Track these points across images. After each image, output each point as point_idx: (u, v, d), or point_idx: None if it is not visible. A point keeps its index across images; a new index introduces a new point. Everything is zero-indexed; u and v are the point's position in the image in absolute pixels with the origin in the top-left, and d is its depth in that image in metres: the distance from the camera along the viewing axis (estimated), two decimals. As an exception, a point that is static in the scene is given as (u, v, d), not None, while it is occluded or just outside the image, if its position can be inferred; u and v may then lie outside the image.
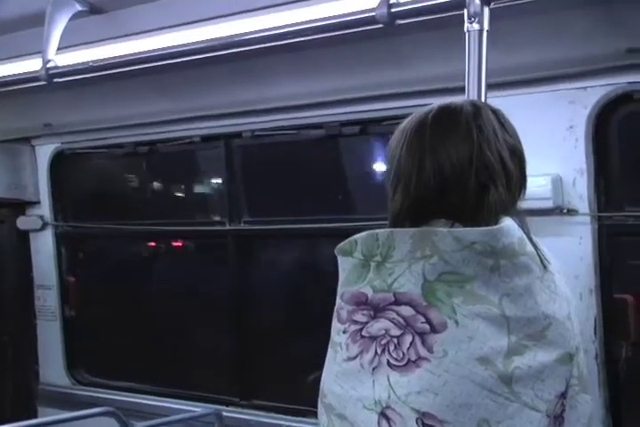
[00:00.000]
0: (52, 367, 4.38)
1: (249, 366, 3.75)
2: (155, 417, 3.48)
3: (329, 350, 1.53)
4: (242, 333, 3.77)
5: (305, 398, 3.35)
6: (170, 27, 3.02)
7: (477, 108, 1.54)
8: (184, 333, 4.01)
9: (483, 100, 1.95)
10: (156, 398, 3.96)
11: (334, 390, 1.49)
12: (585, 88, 2.55)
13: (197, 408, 3.64)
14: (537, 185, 2.51)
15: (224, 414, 3.46)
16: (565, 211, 2.64)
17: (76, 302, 4.38)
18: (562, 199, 2.63)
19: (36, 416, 4.22)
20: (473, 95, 1.96)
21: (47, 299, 4.37)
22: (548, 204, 2.61)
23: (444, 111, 1.55)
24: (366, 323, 1.46)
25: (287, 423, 3.42)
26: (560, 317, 1.46)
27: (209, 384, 3.86)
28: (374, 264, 1.47)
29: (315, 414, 3.31)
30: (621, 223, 2.62)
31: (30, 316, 4.41)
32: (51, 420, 3.20)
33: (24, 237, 4.44)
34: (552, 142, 2.61)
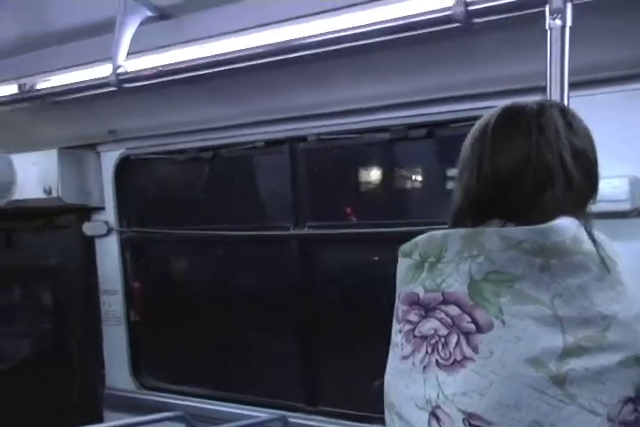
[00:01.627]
0: (118, 372, 4.42)
1: (315, 371, 3.74)
2: (219, 422, 3.48)
3: (390, 350, 1.55)
4: (307, 338, 3.76)
5: (371, 403, 3.35)
6: (236, 31, 3.04)
7: (542, 107, 1.52)
8: (249, 338, 4.01)
9: (565, 99, 1.92)
10: (221, 403, 3.96)
11: (393, 389, 1.51)
12: (663, 86, 2.48)
13: (263, 414, 3.63)
14: (613, 186, 2.46)
15: (290, 419, 3.44)
16: (644, 213, 2.57)
17: (140, 307, 4.42)
18: (640, 201, 2.57)
19: (102, 421, 4.25)
20: (555, 94, 1.92)
21: (112, 304, 4.41)
22: (626, 206, 2.54)
23: (507, 111, 1.54)
24: (418, 322, 1.48)
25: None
26: (624, 317, 1.40)
27: (275, 390, 3.85)
28: (428, 265, 1.49)
29: (380, 421, 3.28)
30: (701, 224, 2.55)
31: (96, 321, 4.46)
32: (118, 424, 3.22)
33: (89, 242, 4.48)
34: (630, 142, 2.54)
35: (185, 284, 4.39)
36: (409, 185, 3.58)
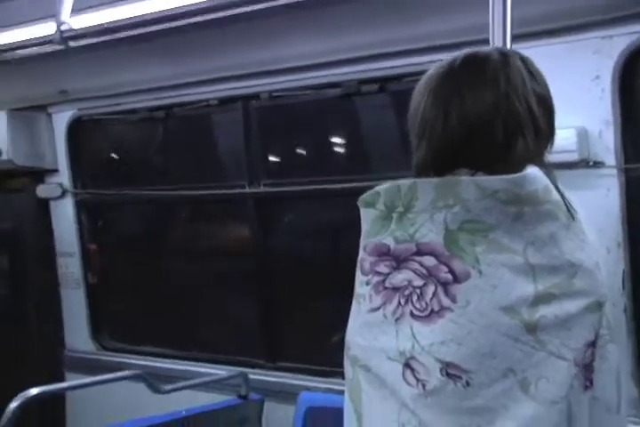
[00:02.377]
0: (77, 334, 4.41)
1: (274, 327, 3.76)
2: (181, 381, 3.49)
3: (353, 302, 1.52)
4: (266, 295, 3.78)
5: (330, 358, 3.38)
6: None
7: (505, 56, 1.51)
8: (208, 297, 4.01)
9: (507, 50, 1.91)
10: (182, 362, 3.98)
11: (358, 341, 1.48)
12: (610, 37, 2.49)
13: (223, 371, 3.65)
14: (562, 137, 2.38)
15: (250, 376, 3.46)
16: (591, 163, 2.59)
17: (98, 269, 4.40)
18: (587, 152, 2.59)
19: (63, 382, 4.25)
20: (489, 46, 1.91)
21: (69, 266, 4.38)
22: (574, 156, 2.57)
23: (471, 59, 1.51)
24: (389, 274, 1.45)
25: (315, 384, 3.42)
26: (588, 265, 1.43)
27: (234, 347, 3.87)
28: (396, 215, 1.45)
29: (341, 375, 3.33)
30: (649, 175, 2.58)
31: (54, 284, 4.43)
32: (79, 383, 3.23)
33: (44, 205, 4.44)
34: (577, 94, 2.56)
35: (141, 245, 4.38)
36: (363, 140, 3.58)
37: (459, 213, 1.39)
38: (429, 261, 1.40)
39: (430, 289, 1.39)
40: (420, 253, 1.42)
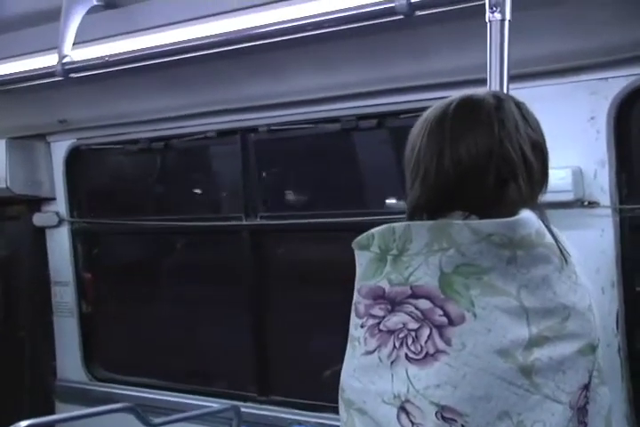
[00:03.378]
0: (70, 363, 4.38)
1: (267, 362, 3.74)
2: (172, 413, 3.47)
3: (348, 345, 1.53)
4: (259, 329, 3.76)
5: (323, 393, 3.37)
6: (185, 21, 3.02)
7: (500, 101, 1.53)
8: (201, 329, 4.00)
9: (505, 91, 1.93)
10: (174, 393, 3.95)
11: (353, 384, 1.48)
12: (606, 79, 2.51)
13: (215, 404, 3.63)
14: (557, 177, 2.46)
15: (242, 409, 3.44)
16: (586, 203, 2.60)
17: (92, 299, 4.38)
18: (583, 192, 2.60)
19: (53, 412, 4.22)
20: (495, 87, 1.93)
21: (64, 295, 4.37)
22: (569, 196, 2.58)
23: (466, 103, 1.54)
24: (384, 317, 1.45)
25: (307, 419, 3.41)
26: (580, 308, 1.44)
27: (227, 380, 3.85)
28: (391, 258, 1.46)
29: (333, 410, 3.30)
30: (644, 216, 2.59)
31: (47, 312, 4.41)
32: (69, 416, 3.20)
33: (40, 233, 4.43)
34: (573, 134, 2.58)
35: (136, 275, 4.37)
36: (361, 175, 3.59)
37: (453, 256, 1.40)
38: (424, 304, 1.41)
39: (425, 332, 1.40)
40: (414, 295, 1.42)
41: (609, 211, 2.59)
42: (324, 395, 3.33)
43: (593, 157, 2.58)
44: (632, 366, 2.59)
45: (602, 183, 2.58)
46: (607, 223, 2.59)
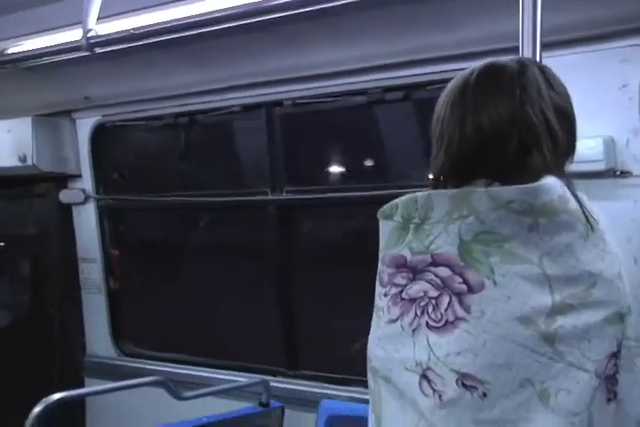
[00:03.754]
0: (98, 339, 4.42)
1: (295, 336, 3.75)
2: (201, 388, 3.48)
3: (373, 314, 1.53)
4: (287, 304, 3.77)
5: (352, 367, 3.37)
6: (209, -7, 2.99)
7: (523, 66, 1.51)
8: (229, 303, 4.01)
9: (537, 59, 1.90)
10: (203, 368, 3.98)
11: (378, 353, 1.49)
12: (638, 45, 2.47)
13: (244, 378, 3.65)
14: (588, 147, 2.46)
15: (271, 384, 3.45)
16: (618, 173, 2.57)
17: (120, 275, 4.41)
18: (614, 161, 2.56)
19: (83, 387, 4.26)
20: (527, 55, 1.89)
21: (91, 272, 4.40)
22: (601, 166, 2.55)
23: (488, 69, 1.52)
24: (405, 285, 1.46)
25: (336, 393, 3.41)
26: (608, 275, 1.42)
27: (256, 354, 3.86)
28: (413, 226, 1.46)
29: (362, 384, 3.30)
30: (678, 184, 2.55)
31: (75, 289, 4.44)
32: (101, 389, 3.24)
33: (67, 210, 4.45)
34: (604, 102, 2.54)
35: (163, 251, 4.38)
36: (387, 148, 3.57)
37: (472, 223, 1.40)
38: (444, 271, 1.41)
39: (445, 300, 1.40)
40: (434, 263, 1.43)
41: (642, 180, 2.55)
42: (353, 369, 3.34)
43: (625, 125, 2.54)
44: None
45: (635, 152, 2.54)
46: (640, 193, 2.56)
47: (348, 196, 3.50)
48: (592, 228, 1.43)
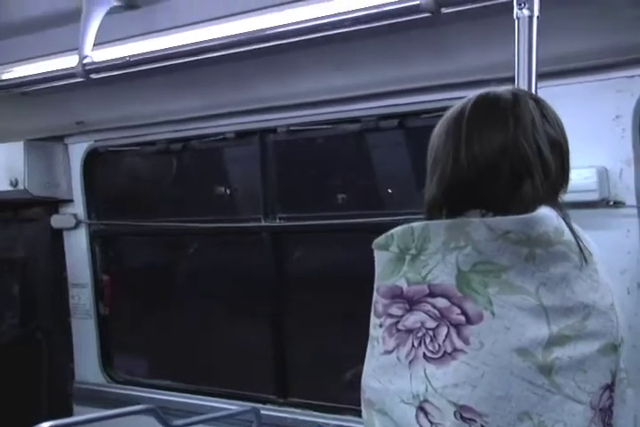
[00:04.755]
0: (88, 366, 4.38)
1: (286, 364, 3.73)
2: (191, 416, 3.45)
3: (368, 345, 1.53)
4: (279, 331, 3.75)
5: (343, 395, 3.35)
6: (204, 21, 3.02)
7: (517, 97, 1.53)
8: (220, 331, 3.99)
9: (533, 89, 1.91)
10: (193, 396, 3.94)
11: (373, 384, 1.48)
12: (632, 77, 2.49)
13: (234, 406, 3.62)
14: (582, 177, 2.47)
15: (262, 412, 3.43)
16: (612, 203, 2.58)
17: (110, 301, 4.38)
18: (608, 191, 2.58)
19: (71, 415, 4.21)
20: (523, 85, 1.92)
21: (82, 297, 4.36)
22: (594, 196, 2.56)
23: (483, 100, 1.54)
24: (402, 316, 1.45)
25: (327, 421, 3.39)
26: (601, 306, 1.43)
27: (246, 382, 3.84)
28: (409, 257, 1.46)
29: (353, 412, 3.29)
30: (670, 215, 2.56)
31: (65, 314, 4.41)
32: (91, 417, 3.19)
33: (58, 235, 4.43)
34: (598, 133, 2.56)
35: (154, 277, 4.36)
36: (380, 176, 3.57)
37: (470, 254, 1.40)
38: (442, 302, 1.41)
39: (443, 331, 1.40)
40: (432, 294, 1.42)
41: (635, 211, 2.56)
42: (344, 397, 3.32)
43: (618, 156, 2.56)
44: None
45: (627, 183, 2.56)
46: (633, 223, 2.56)
47: (340, 223, 3.50)
48: (586, 259, 1.44)
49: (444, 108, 1.59)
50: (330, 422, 3.40)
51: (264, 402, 3.67)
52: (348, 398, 3.28)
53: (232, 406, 3.64)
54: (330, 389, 3.56)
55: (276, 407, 3.63)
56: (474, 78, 2.56)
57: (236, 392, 3.80)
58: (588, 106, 2.53)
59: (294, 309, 3.76)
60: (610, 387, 1.41)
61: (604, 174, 2.57)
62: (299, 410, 3.58)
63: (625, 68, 2.48)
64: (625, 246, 2.56)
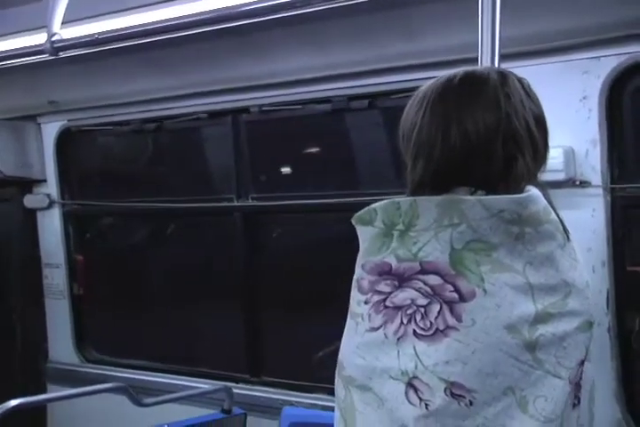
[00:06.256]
0: (61, 345, 4.38)
1: (259, 342, 3.75)
2: (164, 394, 3.46)
3: (348, 321, 1.51)
4: (252, 310, 3.77)
5: (315, 374, 3.37)
6: (174, -1, 2.99)
7: (504, 77, 1.52)
8: (193, 310, 4.00)
9: (496, 70, 1.92)
10: (165, 375, 3.96)
11: (356, 361, 1.47)
12: (598, 58, 2.51)
13: (207, 385, 3.63)
14: (551, 157, 2.48)
15: (234, 390, 3.44)
16: (578, 183, 2.61)
17: (83, 281, 4.37)
18: (574, 171, 2.60)
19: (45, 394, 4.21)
20: (486, 65, 1.92)
21: (55, 277, 4.36)
22: (561, 176, 2.58)
23: (471, 77, 1.52)
24: (390, 293, 1.44)
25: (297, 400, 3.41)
26: (580, 284, 1.45)
27: (218, 361, 3.85)
28: (397, 233, 1.44)
29: (324, 390, 3.30)
30: (635, 195, 2.59)
31: (38, 294, 4.40)
32: (61, 395, 3.21)
33: (31, 215, 4.42)
34: (565, 114, 2.57)
35: (128, 256, 4.36)
36: (352, 155, 3.58)
37: (465, 231, 1.39)
38: (434, 279, 1.40)
39: (435, 308, 1.39)
40: (423, 271, 1.41)
41: (600, 190, 2.59)
42: (316, 376, 3.35)
43: (584, 136, 2.58)
44: (621, 345, 2.60)
45: (593, 163, 2.59)
46: (598, 203, 2.59)
47: (313, 203, 3.50)
48: (568, 237, 1.46)
49: (414, 89, 1.57)
50: (302, 400, 3.43)
51: (237, 381, 3.69)
52: (319, 376, 3.31)
53: (204, 384, 3.65)
54: (302, 368, 3.58)
55: (248, 386, 3.65)
56: (440, 59, 2.57)
57: (209, 371, 3.82)
58: (554, 87, 2.53)
59: (267, 289, 3.77)
60: (583, 362, 1.44)
61: (570, 155, 2.60)
62: (271, 389, 3.60)
63: (591, 49, 2.50)
64: (590, 225, 2.60)
